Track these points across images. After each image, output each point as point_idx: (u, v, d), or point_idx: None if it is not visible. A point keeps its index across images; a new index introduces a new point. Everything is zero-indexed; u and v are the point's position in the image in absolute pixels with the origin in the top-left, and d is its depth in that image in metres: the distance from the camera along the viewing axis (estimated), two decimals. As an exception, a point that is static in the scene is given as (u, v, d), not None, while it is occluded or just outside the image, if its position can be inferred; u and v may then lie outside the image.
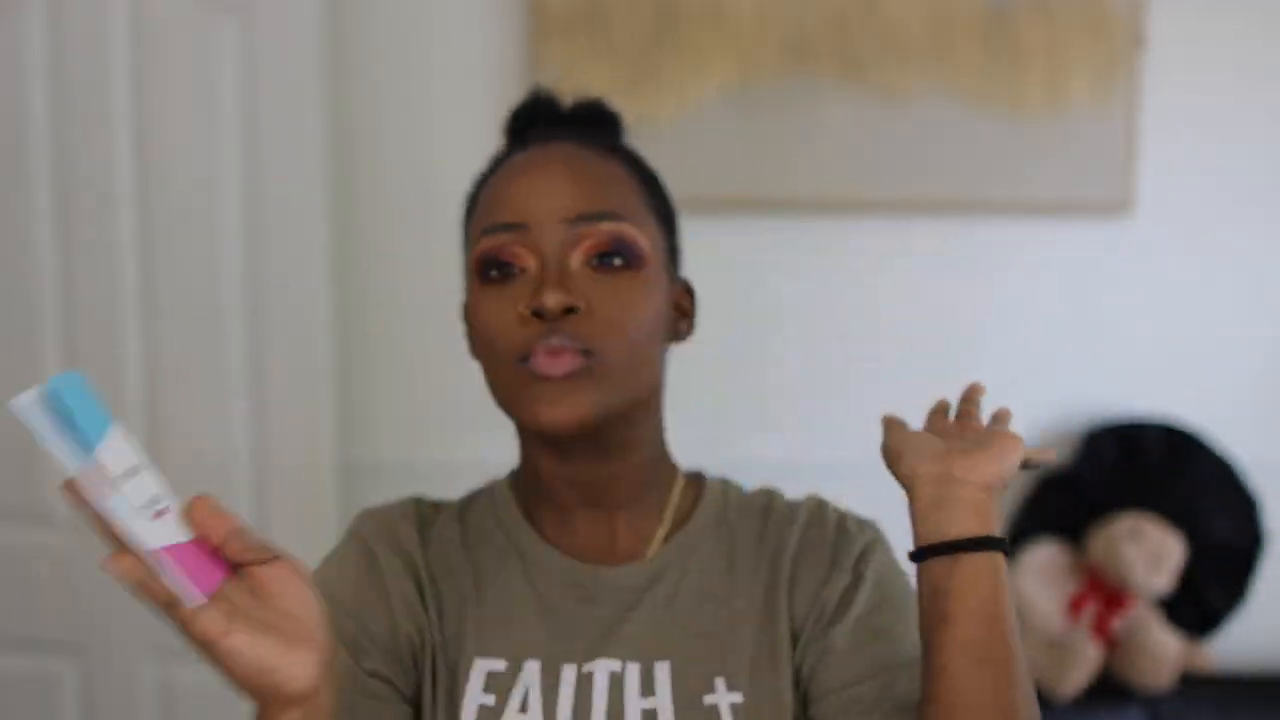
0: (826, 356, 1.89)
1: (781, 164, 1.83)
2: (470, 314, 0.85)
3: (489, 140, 1.85)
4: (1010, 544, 1.98)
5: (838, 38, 1.81)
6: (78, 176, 1.69)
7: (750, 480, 0.94)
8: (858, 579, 0.84)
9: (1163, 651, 1.76)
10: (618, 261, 0.80)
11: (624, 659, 0.81)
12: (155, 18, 1.65)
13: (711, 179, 1.81)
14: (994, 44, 1.82)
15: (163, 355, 1.70)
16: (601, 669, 0.81)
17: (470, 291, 0.84)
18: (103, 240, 1.69)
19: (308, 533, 1.68)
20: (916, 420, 0.91)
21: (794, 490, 0.94)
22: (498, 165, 0.89)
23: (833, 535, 0.87)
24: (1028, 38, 1.82)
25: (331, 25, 1.74)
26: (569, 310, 0.78)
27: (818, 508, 0.90)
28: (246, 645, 0.66)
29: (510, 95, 1.80)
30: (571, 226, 0.80)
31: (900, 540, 0.91)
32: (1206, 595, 1.85)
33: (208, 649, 0.66)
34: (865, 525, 0.90)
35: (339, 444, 1.73)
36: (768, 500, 0.91)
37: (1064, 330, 1.90)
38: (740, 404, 1.86)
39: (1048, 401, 1.91)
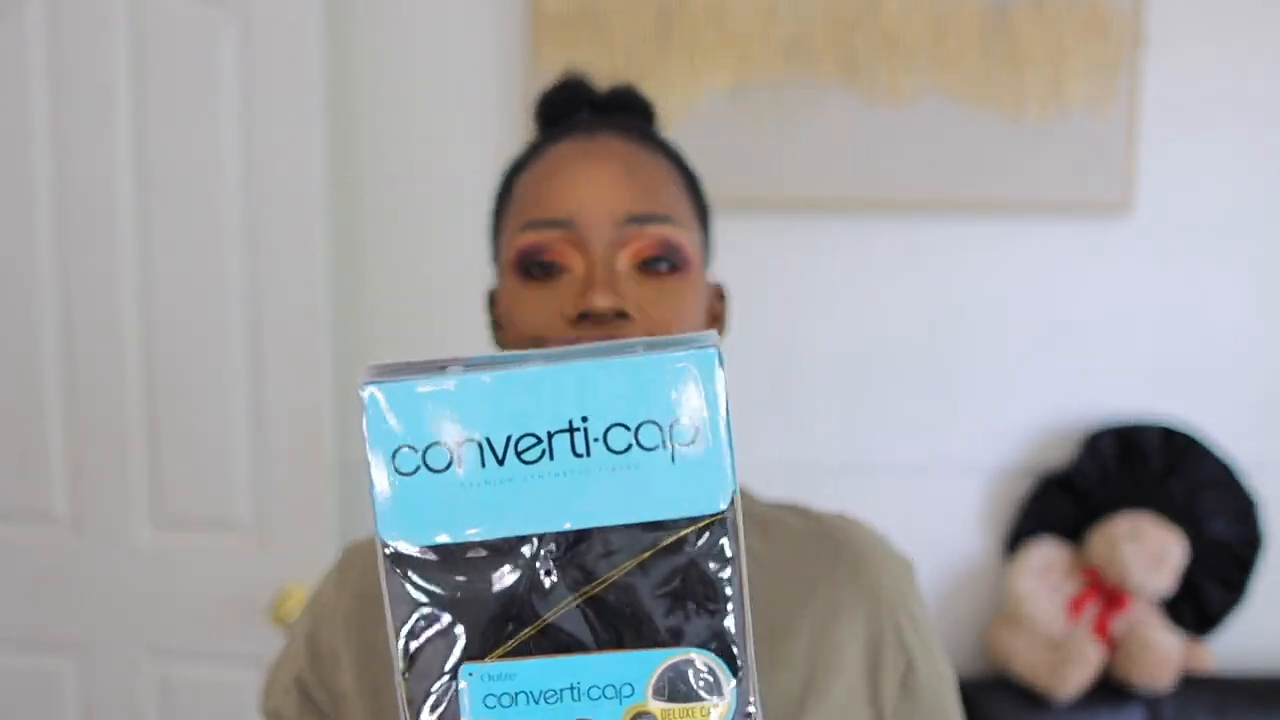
0: (824, 357, 1.89)
1: (781, 164, 1.83)
2: (505, 309, 0.81)
3: (489, 140, 1.85)
4: (1011, 544, 1.99)
5: (838, 38, 1.81)
6: (78, 176, 1.69)
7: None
8: (911, 659, 0.81)
9: (1163, 651, 1.76)
10: (664, 266, 0.78)
11: None
12: (155, 17, 1.65)
13: (711, 179, 1.80)
14: (994, 44, 1.82)
15: (163, 355, 1.70)
16: None
17: (506, 286, 0.81)
18: (103, 240, 1.69)
19: (307, 533, 1.69)
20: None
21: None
22: (536, 154, 0.84)
23: (872, 585, 0.82)
24: (1027, 38, 1.82)
25: (331, 25, 1.74)
26: (619, 315, 0.75)
27: (851, 540, 0.84)
28: None
29: (510, 95, 1.82)
30: (621, 227, 0.77)
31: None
32: (1206, 595, 1.85)
33: None
34: (904, 571, 0.84)
35: (339, 444, 1.73)
36: (796, 520, 0.85)
37: (1064, 330, 1.91)
38: (736, 404, 1.86)
39: (1047, 402, 1.92)
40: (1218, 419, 1.90)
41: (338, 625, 0.84)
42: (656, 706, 0.58)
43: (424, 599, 0.58)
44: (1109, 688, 1.80)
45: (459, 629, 0.59)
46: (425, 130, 1.85)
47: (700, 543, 0.57)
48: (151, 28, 1.66)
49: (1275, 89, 1.88)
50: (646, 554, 0.57)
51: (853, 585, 0.81)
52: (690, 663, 0.58)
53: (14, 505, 1.76)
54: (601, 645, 0.58)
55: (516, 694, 0.59)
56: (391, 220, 1.86)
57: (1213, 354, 1.91)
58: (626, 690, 0.58)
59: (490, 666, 0.59)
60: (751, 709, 0.58)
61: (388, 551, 0.57)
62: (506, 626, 0.58)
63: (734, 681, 0.58)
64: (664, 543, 0.57)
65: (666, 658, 0.58)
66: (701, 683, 0.58)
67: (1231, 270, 1.91)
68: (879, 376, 1.90)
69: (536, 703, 0.59)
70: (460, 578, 0.58)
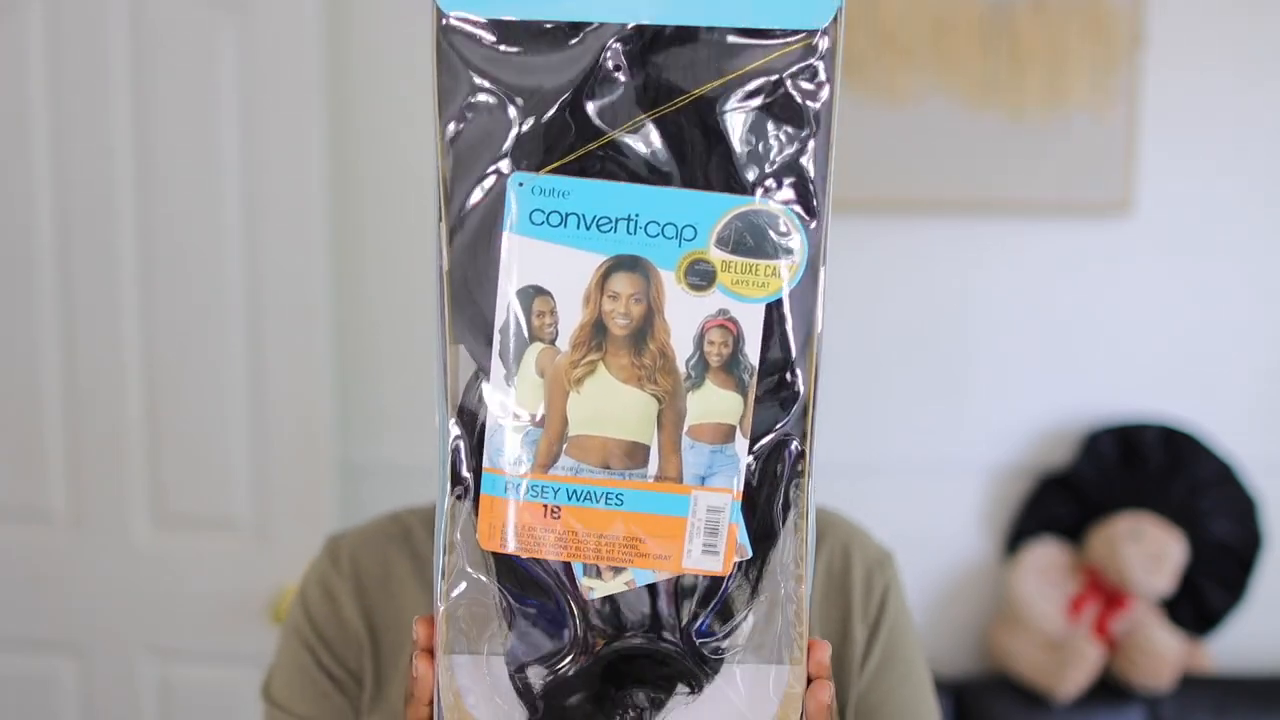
0: (822, 356, 1.89)
1: (781, 164, 1.83)
2: None
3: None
4: (1011, 544, 1.98)
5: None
6: (78, 176, 1.68)
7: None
8: (873, 636, 0.82)
9: (1163, 651, 1.76)
10: None
11: None
12: (155, 17, 1.65)
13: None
14: (994, 44, 1.82)
15: (162, 355, 1.70)
16: None
17: None
18: (102, 240, 1.69)
19: (307, 533, 1.68)
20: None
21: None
22: None
23: (850, 571, 0.83)
24: (1028, 38, 1.82)
25: (331, 25, 1.74)
26: None
27: (826, 529, 0.85)
28: None
29: (510, 95, 1.81)
30: None
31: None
32: (1206, 595, 1.85)
33: None
34: (887, 559, 0.86)
35: (339, 444, 1.73)
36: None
37: (1064, 330, 1.91)
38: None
39: (1048, 402, 1.91)
40: (1218, 419, 1.90)
41: (345, 603, 0.84)
42: (718, 257, 0.52)
43: (479, 79, 0.52)
44: (1109, 688, 1.80)
45: (513, 118, 0.52)
46: (425, 130, 1.84)
47: (794, 61, 0.50)
48: (151, 28, 1.65)
49: (1275, 89, 1.88)
50: (733, 72, 0.51)
51: (825, 573, 0.82)
52: (761, 214, 0.52)
53: (12, 504, 1.75)
54: (668, 176, 0.51)
55: (568, 215, 0.52)
56: (392, 220, 1.86)
57: (1213, 354, 1.91)
58: (688, 233, 0.52)
59: (543, 179, 0.52)
60: (823, 270, 0.52)
61: (444, 22, 0.52)
62: (566, 136, 0.51)
63: (807, 236, 0.52)
64: (755, 58, 0.50)
65: (737, 204, 0.51)
66: (771, 238, 0.52)
67: (1231, 270, 1.91)
68: (878, 377, 1.89)
69: (589, 228, 0.52)
70: (521, 62, 0.52)
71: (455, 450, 0.55)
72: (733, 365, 0.53)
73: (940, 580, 1.94)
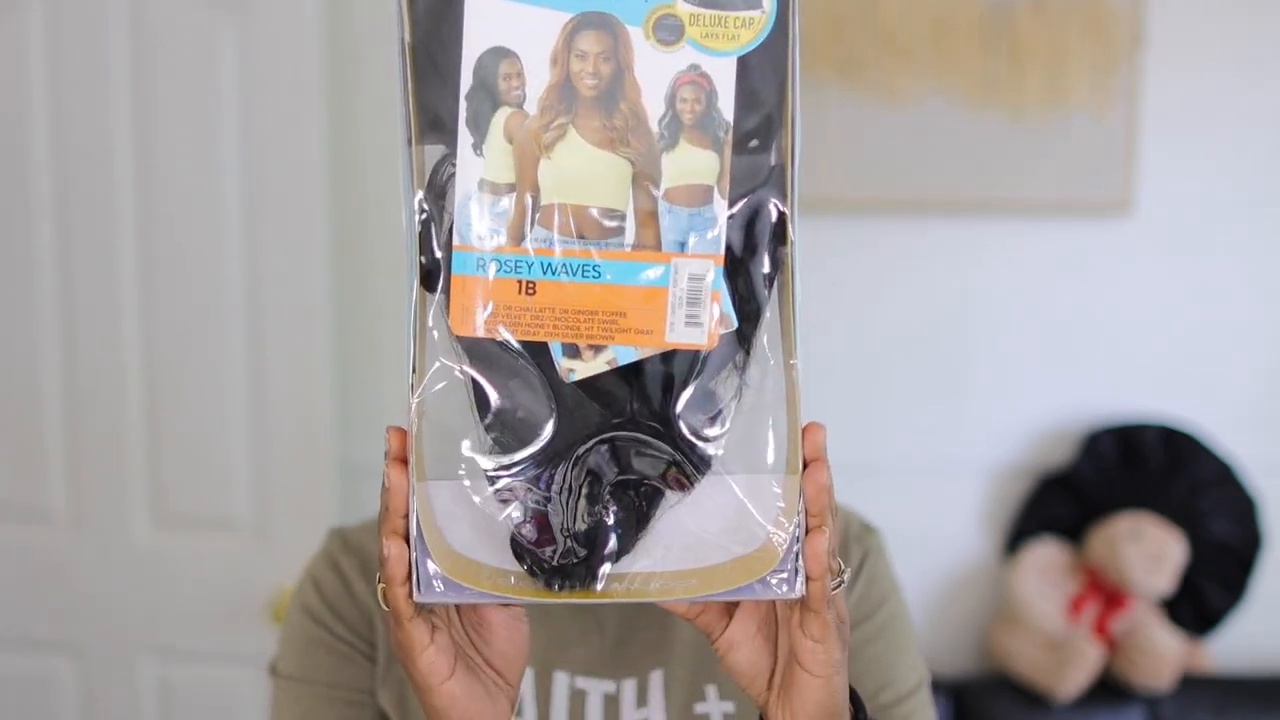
0: (822, 356, 1.89)
1: (781, 164, 1.83)
2: None
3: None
4: (1011, 544, 1.98)
5: (837, 38, 1.81)
6: (78, 176, 1.69)
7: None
8: (854, 609, 0.83)
9: (1163, 651, 1.75)
10: None
11: (618, 678, 0.81)
12: (155, 17, 1.65)
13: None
14: (994, 44, 1.82)
15: (163, 354, 1.70)
16: (595, 690, 0.80)
17: None
18: (102, 240, 1.69)
19: (307, 533, 1.68)
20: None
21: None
22: None
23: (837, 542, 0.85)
24: (1028, 38, 1.82)
25: (331, 25, 1.74)
26: None
27: None
28: (461, 693, 0.60)
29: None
30: None
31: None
32: (1206, 595, 1.85)
33: (424, 690, 0.60)
34: (867, 532, 0.88)
35: (339, 444, 1.73)
36: None
37: (1064, 330, 1.90)
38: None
39: (1048, 402, 1.91)
40: (1218, 419, 1.90)
41: (354, 580, 0.85)
42: (685, 10, 0.51)
43: None
44: (1109, 688, 1.80)
45: None
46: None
47: None
48: (151, 28, 1.65)
49: (1275, 89, 1.88)
50: None
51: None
52: None
53: (12, 503, 1.75)
54: None
55: None
56: (392, 220, 1.85)
57: (1213, 354, 1.91)
58: None
59: None
60: (793, 20, 0.50)
61: None
62: None
63: None
64: None
65: None
66: None
67: (1231, 270, 1.91)
68: (878, 376, 1.89)
69: None
70: None
71: (424, 232, 0.52)
72: (707, 123, 0.51)
73: (940, 580, 1.94)
